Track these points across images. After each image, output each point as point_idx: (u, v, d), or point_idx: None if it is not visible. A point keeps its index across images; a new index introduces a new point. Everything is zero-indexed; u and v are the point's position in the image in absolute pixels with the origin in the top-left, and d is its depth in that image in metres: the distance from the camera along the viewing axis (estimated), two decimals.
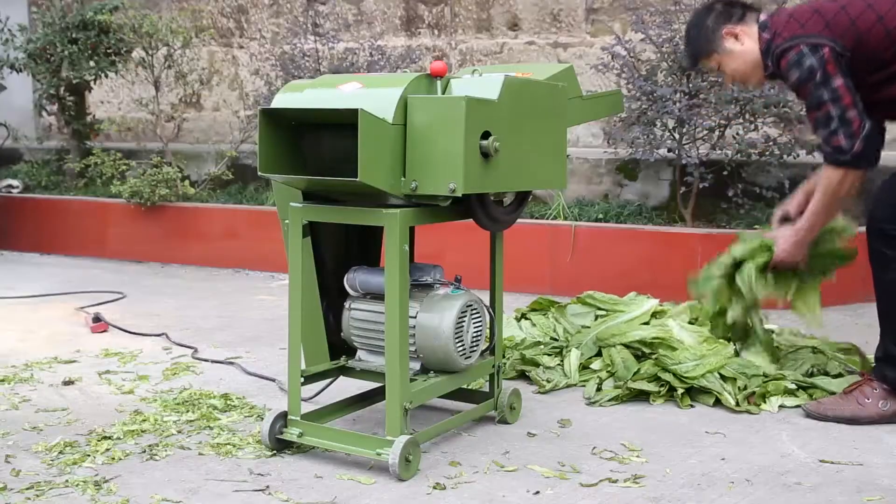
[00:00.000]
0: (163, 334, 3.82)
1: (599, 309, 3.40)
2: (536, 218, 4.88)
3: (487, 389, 2.72)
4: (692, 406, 2.87)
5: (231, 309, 4.42)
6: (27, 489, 2.20)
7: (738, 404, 2.83)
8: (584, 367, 3.12)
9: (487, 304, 2.62)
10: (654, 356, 3.03)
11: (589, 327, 3.30)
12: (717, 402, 2.86)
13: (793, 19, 2.68)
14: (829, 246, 2.95)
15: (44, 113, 6.71)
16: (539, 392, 3.01)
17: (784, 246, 2.88)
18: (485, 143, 2.23)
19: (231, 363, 3.38)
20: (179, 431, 2.62)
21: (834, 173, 2.66)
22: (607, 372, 3.06)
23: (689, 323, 3.24)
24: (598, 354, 3.16)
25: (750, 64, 2.79)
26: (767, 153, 4.48)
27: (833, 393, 2.83)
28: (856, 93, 2.58)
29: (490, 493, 2.19)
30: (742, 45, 2.78)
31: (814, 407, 2.77)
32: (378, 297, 2.49)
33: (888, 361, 2.71)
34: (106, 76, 6.35)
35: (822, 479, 2.28)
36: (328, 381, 2.67)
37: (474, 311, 2.51)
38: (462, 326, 2.46)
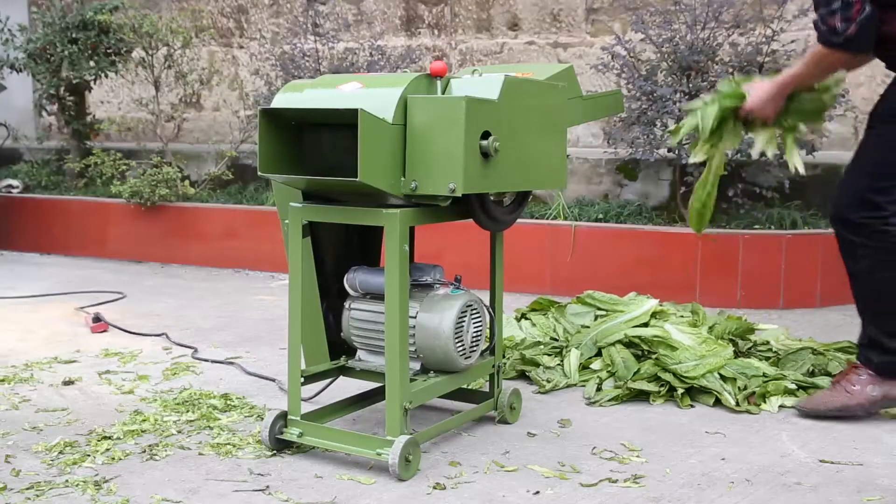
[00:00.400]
0: (163, 334, 3.82)
1: (599, 309, 3.40)
2: (536, 218, 4.88)
3: (487, 389, 2.72)
4: (692, 406, 2.87)
5: (231, 309, 4.42)
6: (27, 489, 2.20)
7: (738, 404, 2.83)
8: (584, 367, 3.12)
9: (487, 304, 2.62)
10: (654, 356, 3.03)
11: (589, 327, 3.30)
12: (717, 402, 2.86)
13: None
14: (812, 105, 2.86)
15: (44, 113, 6.71)
16: (539, 392, 3.01)
17: (757, 95, 2.80)
18: (485, 143, 2.23)
19: (231, 363, 3.38)
20: (179, 431, 2.62)
21: (823, 51, 2.63)
22: (607, 372, 3.06)
23: (691, 325, 3.25)
24: (598, 354, 3.16)
25: None
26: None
27: None
28: None
29: (490, 493, 2.19)
30: None
31: (806, 403, 2.77)
32: (378, 297, 2.49)
33: (872, 346, 2.72)
34: (106, 76, 6.35)
35: (822, 479, 2.28)
36: (328, 381, 2.67)
37: (474, 311, 2.51)
38: (462, 326, 2.46)
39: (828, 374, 2.99)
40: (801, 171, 2.84)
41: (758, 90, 2.81)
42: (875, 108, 2.76)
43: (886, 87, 2.75)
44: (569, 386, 3.06)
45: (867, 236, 2.66)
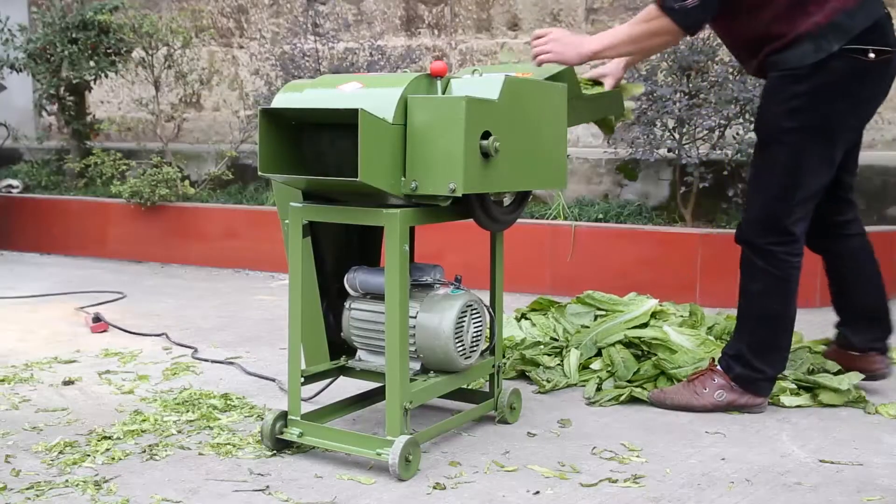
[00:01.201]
0: (163, 334, 3.82)
1: (599, 309, 3.40)
2: (536, 218, 4.89)
3: (487, 389, 2.72)
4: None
5: (231, 309, 4.42)
6: (27, 489, 2.20)
7: None
8: (584, 367, 3.12)
9: (487, 304, 2.62)
10: (653, 357, 3.03)
11: (588, 327, 3.30)
12: None
13: None
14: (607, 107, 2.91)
15: (44, 113, 6.71)
16: (539, 392, 3.01)
17: (566, 33, 2.77)
18: (485, 143, 2.23)
19: (231, 363, 3.38)
20: (179, 431, 2.62)
21: (655, 15, 2.62)
22: (607, 372, 3.06)
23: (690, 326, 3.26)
24: (598, 354, 3.16)
25: None
26: None
27: (838, 390, 2.84)
28: None
29: (490, 493, 2.19)
30: None
31: (655, 395, 2.85)
32: (378, 297, 2.49)
33: (737, 358, 2.78)
34: (106, 76, 6.35)
35: (822, 479, 2.28)
36: (328, 381, 2.67)
37: (474, 311, 2.51)
38: (462, 326, 2.46)
39: (827, 371, 2.99)
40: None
41: (562, 34, 2.75)
42: (760, 123, 2.74)
43: (761, 98, 2.73)
44: (569, 386, 3.06)
45: (770, 263, 2.72)
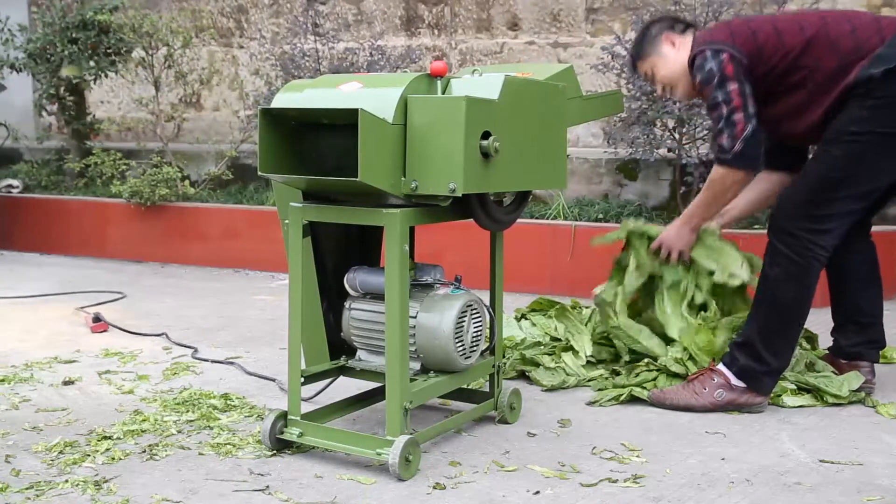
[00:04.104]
0: (163, 334, 3.82)
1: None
2: (536, 218, 4.88)
3: (487, 389, 2.72)
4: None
5: (231, 309, 4.42)
6: (27, 489, 2.20)
7: None
8: (585, 366, 3.12)
9: (487, 304, 2.62)
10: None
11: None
12: None
13: (708, 30, 2.90)
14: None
15: (44, 113, 6.71)
16: (541, 391, 3.01)
17: (669, 230, 3.09)
18: (485, 142, 2.23)
19: (231, 363, 3.38)
20: (179, 431, 2.62)
21: (717, 171, 2.83)
22: (609, 372, 3.07)
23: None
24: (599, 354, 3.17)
25: (679, 71, 2.92)
26: None
27: (837, 396, 2.84)
28: (749, 97, 2.73)
29: (490, 493, 2.19)
30: (677, 52, 2.93)
31: (655, 395, 2.87)
32: (378, 297, 2.49)
33: (744, 347, 2.80)
34: (106, 76, 6.35)
35: (822, 479, 2.28)
36: (328, 381, 2.67)
37: (474, 311, 2.51)
38: (462, 326, 2.46)
39: (825, 376, 2.98)
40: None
41: (670, 226, 3.08)
42: (827, 132, 2.80)
43: (837, 113, 2.77)
44: (570, 386, 3.06)
45: (792, 248, 2.74)
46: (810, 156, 2.93)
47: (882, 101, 2.65)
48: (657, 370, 2.99)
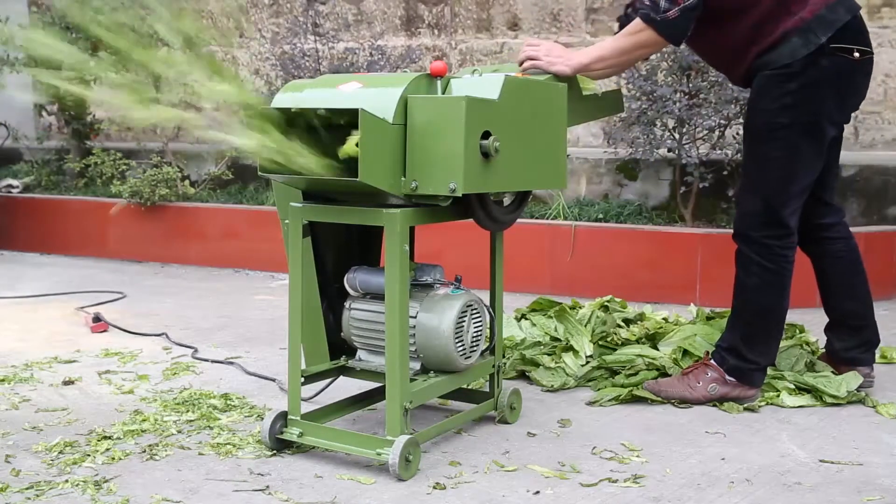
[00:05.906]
0: (163, 334, 3.82)
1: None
2: (536, 218, 4.88)
3: (487, 389, 2.72)
4: (691, 406, 2.87)
5: (231, 309, 4.42)
6: (27, 489, 2.20)
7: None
8: (584, 366, 3.12)
9: (487, 304, 2.62)
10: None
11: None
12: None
13: None
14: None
15: (44, 113, 6.70)
16: (541, 391, 3.01)
17: (551, 47, 2.76)
18: (485, 142, 2.23)
19: (231, 363, 3.38)
20: (179, 431, 2.62)
21: (639, 26, 2.69)
22: (608, 372, 3.07)
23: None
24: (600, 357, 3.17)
25: None
26: None
27: (835, 397, 2.84)
28: None
29: (490, 493, 2.19)
30: None
31: (650, 385, 2.90)
32: (378, 297, 2.49)
33: (731, 350, 2.84)
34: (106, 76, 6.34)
35: (822, 479, 2.28)
36: (328, 381, 2.67)
37: (474, 311, 2.51)
38: (462, 326, 2.46)
39: (824, 375, 2.98)
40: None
41: (554, 47, 2.77)
42: (751, 121, 2.80)
43: (751, 97, 2.79)
44: (570, 386, 3.06)
45: (765, 257, 2.77)
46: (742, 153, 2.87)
47: (805, 86, 2.65)
48: (657, 370, 3.00)
